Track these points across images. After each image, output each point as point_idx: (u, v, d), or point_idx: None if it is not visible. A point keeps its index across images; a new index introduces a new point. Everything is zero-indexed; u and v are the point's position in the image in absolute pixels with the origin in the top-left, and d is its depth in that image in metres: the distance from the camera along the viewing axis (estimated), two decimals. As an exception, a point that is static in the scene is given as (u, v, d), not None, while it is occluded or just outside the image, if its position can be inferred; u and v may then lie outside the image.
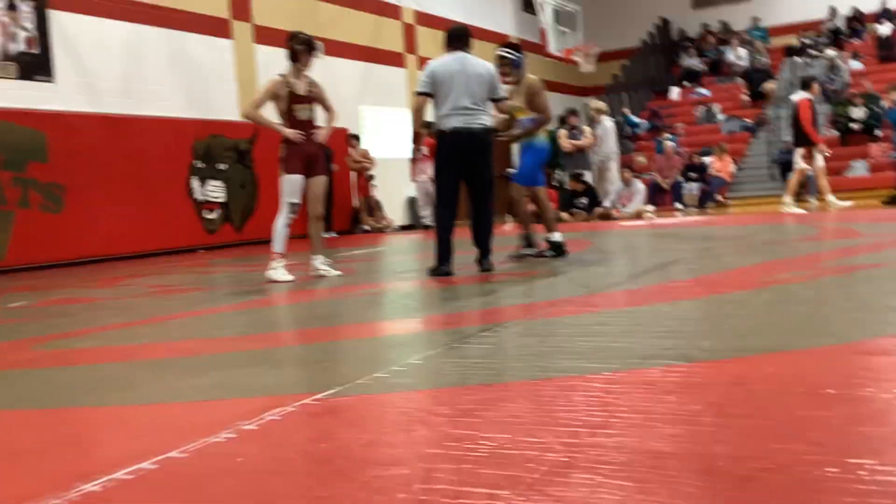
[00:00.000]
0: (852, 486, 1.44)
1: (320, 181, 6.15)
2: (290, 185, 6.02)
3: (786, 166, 13.79)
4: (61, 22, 10.00)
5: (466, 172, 5.76)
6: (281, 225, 6.04)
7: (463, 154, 5.69)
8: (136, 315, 5.01)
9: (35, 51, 9.74)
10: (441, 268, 5.68)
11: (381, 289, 5.80)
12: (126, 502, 1.61)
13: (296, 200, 6.04)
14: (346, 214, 13.82)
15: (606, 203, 13.31)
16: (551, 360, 2.70)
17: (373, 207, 14.11)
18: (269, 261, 6.09)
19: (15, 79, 9.51)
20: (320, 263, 6.21)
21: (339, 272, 6.20)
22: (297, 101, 6.04)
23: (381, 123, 14.98)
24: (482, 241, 5.85)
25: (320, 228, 6.30)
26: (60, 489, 1.70)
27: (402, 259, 8.52)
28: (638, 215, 12.86)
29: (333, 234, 12.52)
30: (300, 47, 6.06)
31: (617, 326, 3.25)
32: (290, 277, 6.00)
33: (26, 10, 9.65)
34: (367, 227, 13.78)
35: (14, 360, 3.57)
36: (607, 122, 13.90)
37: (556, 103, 18.77)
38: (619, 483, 1.53)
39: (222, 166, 11.78)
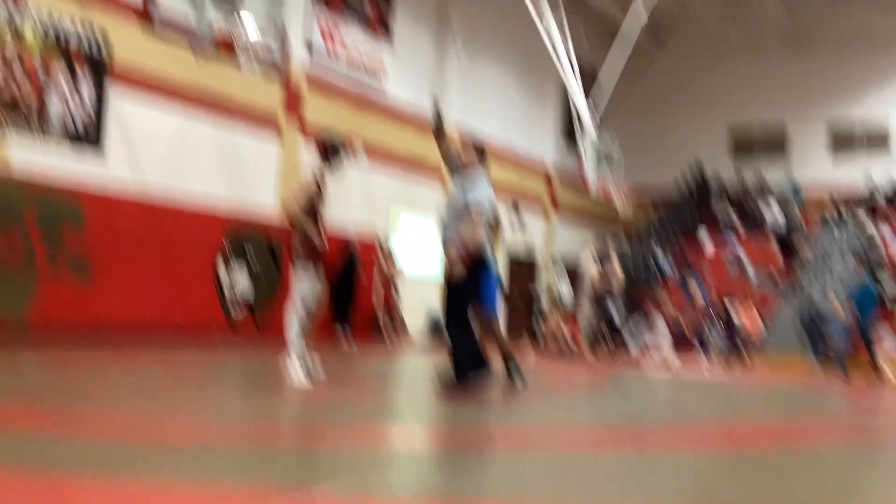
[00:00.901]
0: None
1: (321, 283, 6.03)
2: (307, 286, 5.91)
3: (813, 334, 13.63)
4: (119, 99, 10.30)
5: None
6: (294, 323, 5.86)
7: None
8: (153, 401, 4.91)
9: (90, 123, 10.02)
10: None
11: (391, 396, 5.67)
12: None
13: (308, 296, 5.94)
14: (368, 326, 13.58)
15: (633, 348, 13.17)
16: (567, 495, 2.58)
17: (396, 323, 13.84)
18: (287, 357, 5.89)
19: (66, 146, 9.74)
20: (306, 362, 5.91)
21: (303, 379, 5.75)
22: (321, 200, 5.99)
23: (413, 234, 14.95)
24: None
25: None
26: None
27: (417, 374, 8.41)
28: (664, 364, 12.66)
29: (348, 330, 12.24)
30: (330, 150, 6.03)
31: (640, 469, 3.13)
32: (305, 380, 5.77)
33: (87, 84, 9.98)
34: (387, 342, 13.60)
35: (34, 431, 3.49)
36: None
37: (587, 234, 18.87)
38: None
39: (251, 260, 11.85)
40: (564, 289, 14.11)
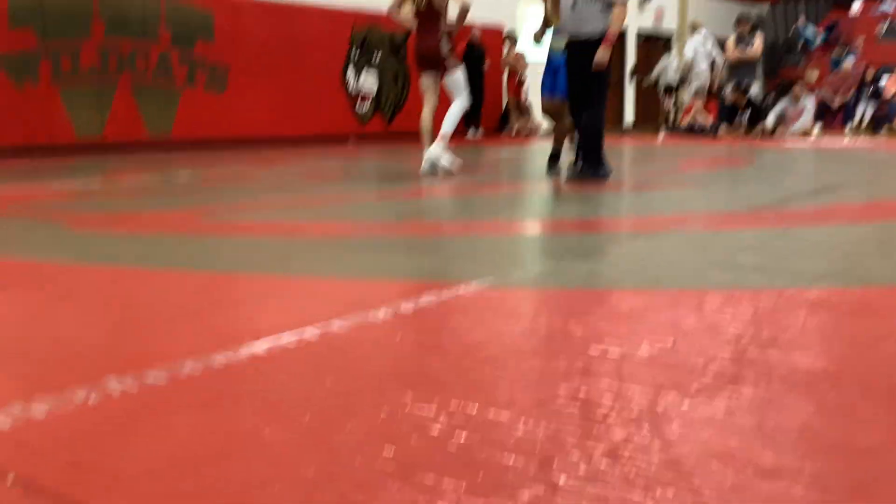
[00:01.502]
0: None
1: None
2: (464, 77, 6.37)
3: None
4: None
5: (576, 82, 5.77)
6: (457, 113, 6.26)
7: (575, 62, 5.67)
8: (292, 195, 5.16)
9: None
10: (603, 169, 5.66)
11: (525, 190, 5.72)
12: (290, 366, 1.66)
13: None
14: (495, 115, 13.65)
15: (770, 119, 12.58)
16: (712, 272, 2.58)
17: (522, 110, 13.85)
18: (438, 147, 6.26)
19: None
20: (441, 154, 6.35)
21: (452, 163, 6.26)
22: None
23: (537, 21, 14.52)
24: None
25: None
26: (229, 347, 1.76)
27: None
28: (804, 134, 12.11)
29: (480, 133, 12.45)
30: None
31: (782, 244, 3.08)
32: (456, 160, 6.31)
33: None
34: (514, 129, 13.59)
35: (181, 228, 3.75)
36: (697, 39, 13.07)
37: (729, 10, 17.72)
38: (792, 401, 1.44)
39: (377, 58, 11.82)
40: (700, 62, 13.40)
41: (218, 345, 1.79)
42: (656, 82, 14.47)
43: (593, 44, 5.47)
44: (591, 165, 5.64)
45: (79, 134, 8.97)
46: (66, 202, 4.87)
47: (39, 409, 1.42)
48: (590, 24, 5.49)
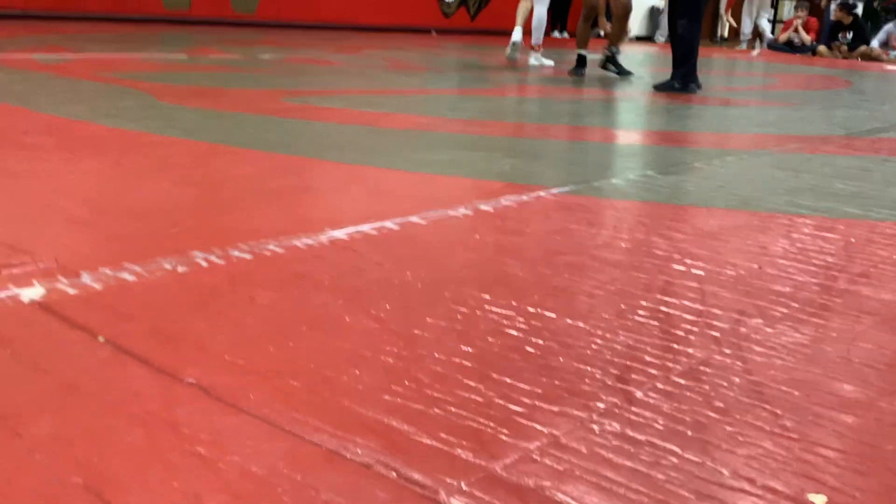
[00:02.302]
0: None
1: None
2: None
3: None
4: None
5: None
6: (540, 16, 6.82)
7: None
8: (375, 84, 5.12)
9: None
10: (693, 84, 5.46)
11: (615, 96, 5.57)
12: (371, 254, 1.66)
13: None
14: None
15: (874, 42, 11.91)
16: (805, 197, 2.49)
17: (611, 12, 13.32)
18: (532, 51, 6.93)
19: None
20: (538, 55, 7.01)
21: (550, 62, 6.85)
22: None
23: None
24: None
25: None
26: (311, 231, 1.78)
27: (637, 69, 8.12)
28: (910, 60, 11.46)
29: (566, 35, 12.11)
30: None
31: (881, 174, 2.94)
32: (550, 62, 6.95)
33: None
34: (601, 32, 13.16)
35: (265, 108, 3.77)
36: None
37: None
38: (882, 335, 1.39)
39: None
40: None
41: (300, 228, 1.80)
42: None
43: None
44: (680, 78, 5.44)
45: (167, 6, 8.99)
46: (153, 73, 4.92)
47: (129, 275, 1.46)
48: None
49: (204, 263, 1.54)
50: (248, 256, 1.59)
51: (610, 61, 6.36)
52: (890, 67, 10.28)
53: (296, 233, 1.76)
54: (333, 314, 1.34)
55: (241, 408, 1.02)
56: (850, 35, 11.95)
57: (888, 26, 12.02)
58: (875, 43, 11.89)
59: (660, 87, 5.51)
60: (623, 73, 6.37)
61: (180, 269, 1.50)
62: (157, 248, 1.61)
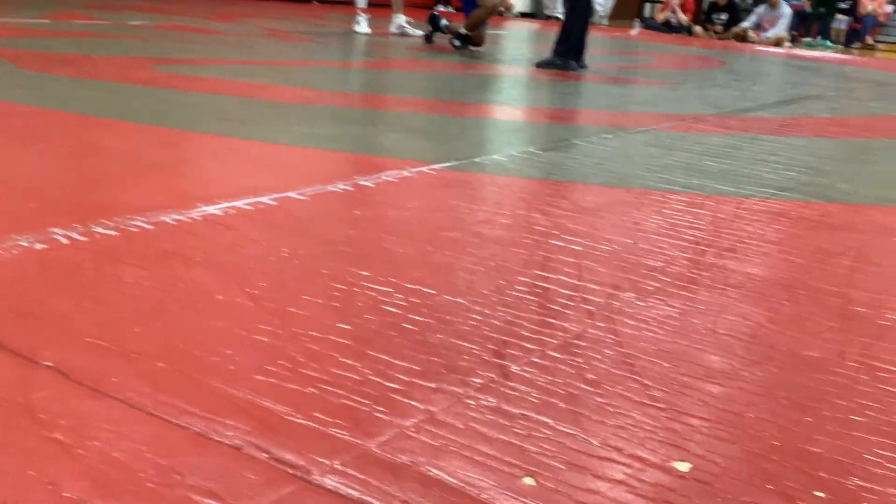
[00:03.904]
0: None
1: None
2: None
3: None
4: None
5: None
6: None
7: None
8: (253, 54, 4.98)
9: None
10: (573, 62, 5.50)
11: (497, 72, 5.61)
12: (246, 230, 1.61)
13: None
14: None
15: (746, 24, 12.42)
16: (678, 174, 2.57)
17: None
18: (355, 16, 7.07)
19: None
20: (403, 22, 7.07)
21: (420, 32, 6.76)
22: None
23: None
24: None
25: None
26: (183, 207, 1.71)
27: (519, 46, 8.21)
28: (777, 42, 12.01)
29: (450, 9, 12.10)
30: None
31: (749, 153, 3.07)
32: (369, 31, 6.94)
33: None
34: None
35: (134, 77, 3.60)
36: None
37: None
38: (747, 308, 1.45)
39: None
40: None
41: (172, 203, 1.73)
42: None
43: None
44: (560, 55, 5.52)
45: (31, -33, 8.48)
46: (12, 39, 4.64)
47: (-18, 252, 1.37)
48: None
49: (64, 241, 1.46)
50: (113, 233, 1.52)
51: (458, 38, 6.30)
52: (761, 48, 10.75)
53: (166, 208, 1.69)
54: (205, 292, 1.30)
55: (103, 391, 0.97)
56: (724, 16, 12.41)
57: (759, 9, 12.54)
58: (747, 24, 12.39)
59: (541, 65, 5.58)
60: (464, 46, 6.34)
61: (38, 246, 1.42)
62: (14, 225, 1.51)
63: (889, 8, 13.85)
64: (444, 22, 6.39)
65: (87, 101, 2.90)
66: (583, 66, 5.52)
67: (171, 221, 1.62)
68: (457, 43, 6.24)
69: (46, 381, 0.99)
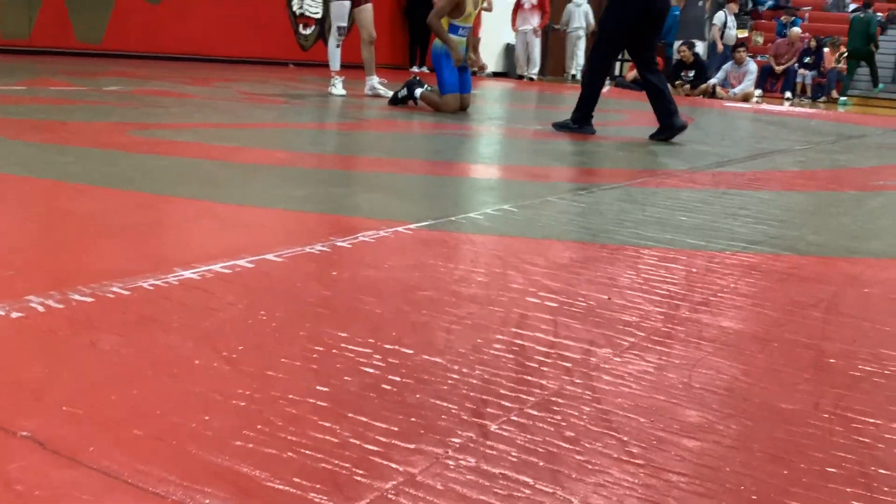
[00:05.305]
0: (974, 408, 1.35)
1: (367, 8, 6.97)
2: (338, 10, 6.96)
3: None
4: None
5: (639, 38, 5.42)
6: (332, 46, 7.08)
7: (647, 18, 5.32)
8: (229, 117, 5.02)
9: None
10: (587, 126, 5.56)
11: (472, 131, 5.68)
12: (223, 294, 1.62)
13: (343, 24, 7.01)
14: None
15: (714, 80, 12.72)
16: (651, 229, 2.61)
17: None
18: (330, 78, 7.20)
19: None
20: (376, 84, 7.18)
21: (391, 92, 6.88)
22: None
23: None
24: (663, 106, 5.55)
25: (372, 52, 7.14)
26: (160, 271, 1.71)
27: (493, 105, 8.34)
28: (745, 98, 12.29)
29: (424, 69, 12.29)
30: None
31: (720, 207, 3.12)
32: (344, 92, 7.05)
33: None
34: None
35: (110, 142, 3.62)
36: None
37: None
38: (721, 362, 1.47)
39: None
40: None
41: (148, 268, 1.73)
42: (563, 28, 14.52)
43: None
44: (578, 119, 5.55)
45: (4, 35, 8.55)
46: (-9, 106, 4.65)
47: (-44, 322, 1.36)
48: None
49: (40, 308, 1.45)
50: (89, 300, 1.52)
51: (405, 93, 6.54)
52: (729, 104, 10.98)
53: (143, 273, 1.69)
54: (182, 357, 1.30)
55: (80, 461, 0.97)
56: (692, 74, 12.70)
57: (727, 65, 12.85)
58: (715, 80, 12.69)
59: (558, 126, 5.61)
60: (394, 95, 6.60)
61: (14, 314, 1.41)
62: (-10, 292, 1.50)
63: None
64: (418, 91, 6.47)
65: (61, 167, 2.91)
66: (594, 131, 5.58)
67: (147, 286, 1.62)
68: (381, 90, 6.78)
69: (22, 451, 0.98)
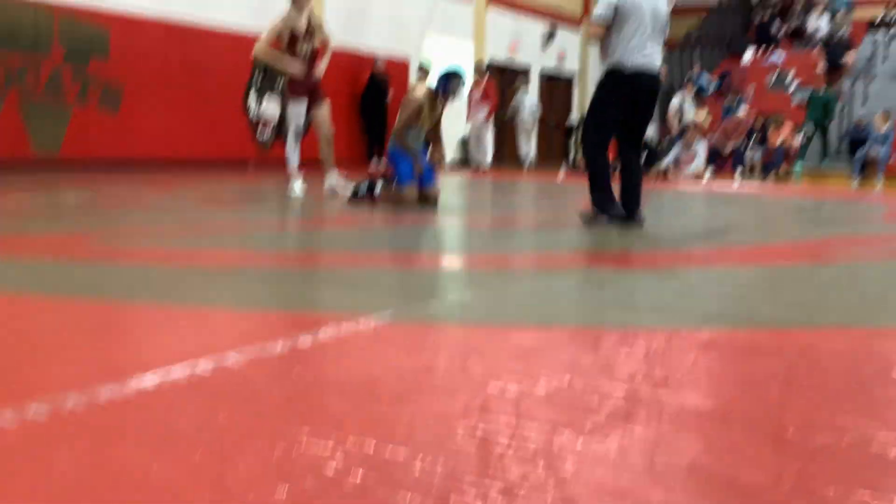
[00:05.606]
0: (932, 471, 1.37)
1: (324, 107, 7.00)
2: (295, 110, 6.95)
3: (856, 144, 13.42)
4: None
5: (632, 118, 5.28)
6: (290, 146, 7.03)
7: (639, 98, 5.21)
8: (188, 222, 5.04)
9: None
10: (612, 212, 5.27)
11: (430, 223, 5.75)
12: (180, 401, 1.60)
13: (300, 123, 7.02)
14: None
15: (665, 162, 13.05)
16: (608, 310, 2.64)
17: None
18: (289, 179, 7.13)
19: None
20: (335, 181, 7.15)
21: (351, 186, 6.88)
22: (296, 40, 6.71)
23: (444, 55, 14.75)
24: (636, 192, 5.35)
25: (332, 149, 7.15)
26: (115, 381, 1.69)
27: (451, 195, 8.47)
28: (696, 177, 12.61)
29: (383, 164, 12.47)
30: None
31: (676, 285, 3.18)
32: (302, 192, 6.98)
33: None
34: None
35: (68, 252, 3.61)
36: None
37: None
38: (684, 441, 1.48)
39: (281, 84, 11.74)
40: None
41: (104, 377, 1.71)
42: (513, 118, 14.91)
43: (658, 80, 5.26)
44: (597, 206, 5.32)
45: (-39, 149, 8.55)
46: (-54, 221, 4.62)
47: None
48: (657, 59, 5.23)
49: (-6, 424, 1.42)
50: (43, 415, 1.49)
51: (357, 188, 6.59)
52: (680, 186, 11.25)
53: (98, 383, 1.66)
54: (139, 470, 1.27)
55: (32, 581, 0.94)
56: (643, 157, 13.02)
57: (676, 148, 13.22)
58: (666, 162, 13.02)
59: (586, 220, 5.36)
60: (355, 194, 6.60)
61: (-34, 432, 1.38)
62: (-59, 411, 1.47)
63: (799, 139, 14.71)
64: (377, 187, 6.53)
65: (15, 281, 2.89)
66: (620, 213, 5.26)
67: (103, 398, 1.59)
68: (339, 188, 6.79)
69: (-28, 576, 0.95)
